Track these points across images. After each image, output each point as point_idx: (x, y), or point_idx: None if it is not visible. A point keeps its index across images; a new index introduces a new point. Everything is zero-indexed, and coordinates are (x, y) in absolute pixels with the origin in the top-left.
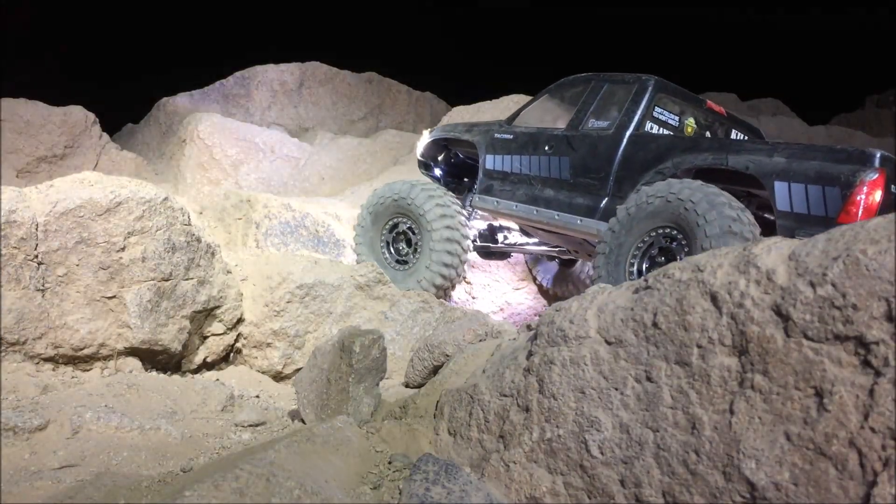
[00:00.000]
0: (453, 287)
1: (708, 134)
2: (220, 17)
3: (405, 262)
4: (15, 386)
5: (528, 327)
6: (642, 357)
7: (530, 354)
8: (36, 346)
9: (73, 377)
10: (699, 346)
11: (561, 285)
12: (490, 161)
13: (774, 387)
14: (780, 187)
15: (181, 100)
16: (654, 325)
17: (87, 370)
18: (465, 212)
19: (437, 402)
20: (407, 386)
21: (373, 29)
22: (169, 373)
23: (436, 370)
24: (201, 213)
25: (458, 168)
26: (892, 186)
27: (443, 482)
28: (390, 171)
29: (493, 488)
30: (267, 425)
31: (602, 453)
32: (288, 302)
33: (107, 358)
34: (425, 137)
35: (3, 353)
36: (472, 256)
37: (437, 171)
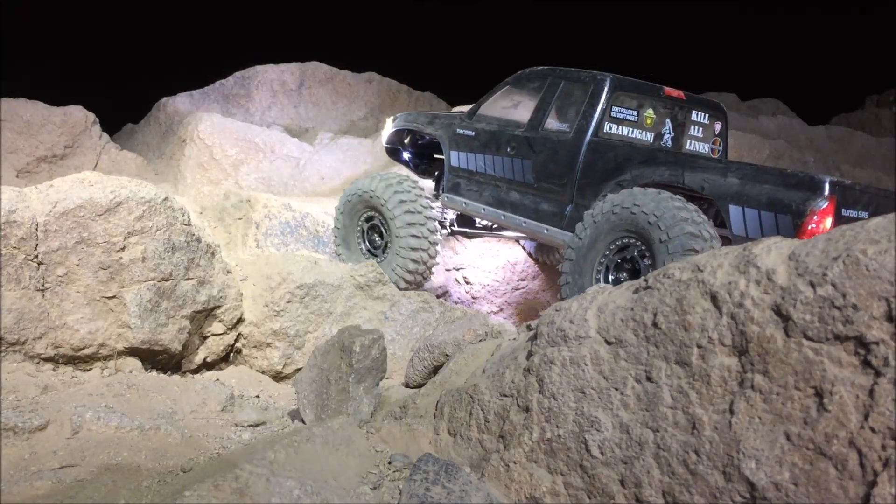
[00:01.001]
0: (430, 270)
1: (668, 121)
2: (220, 18)
3: (379, 254)
4: (15, 386)
5: (528, 327)
6: (642, 357)
7: (530, 354)
8: (36, 346)
9: (73, 377)
10: (699, 346)
11: (544, 253)
12: (455, 158)
13: (774, 387)
14: (734, 211)
15: (181, 100)
16: (654, 325)
17: (87, 370)
18: (428, 195)
19: (437, 402)
20: (407, 386)
21: (373, 29)
22: (169, 373)
23: (436, 370)
24: (201, 213)
25: (427, 148)
26: (844, 210)
27: (443, 482)
28: (390, 171)
29: (493, 488)
30: (267, 425)
31: (602, 453)
32: (288, 302)
33: (107, 358)
34: (388, 126)
35: (3, 353)
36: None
37: (406, 156)
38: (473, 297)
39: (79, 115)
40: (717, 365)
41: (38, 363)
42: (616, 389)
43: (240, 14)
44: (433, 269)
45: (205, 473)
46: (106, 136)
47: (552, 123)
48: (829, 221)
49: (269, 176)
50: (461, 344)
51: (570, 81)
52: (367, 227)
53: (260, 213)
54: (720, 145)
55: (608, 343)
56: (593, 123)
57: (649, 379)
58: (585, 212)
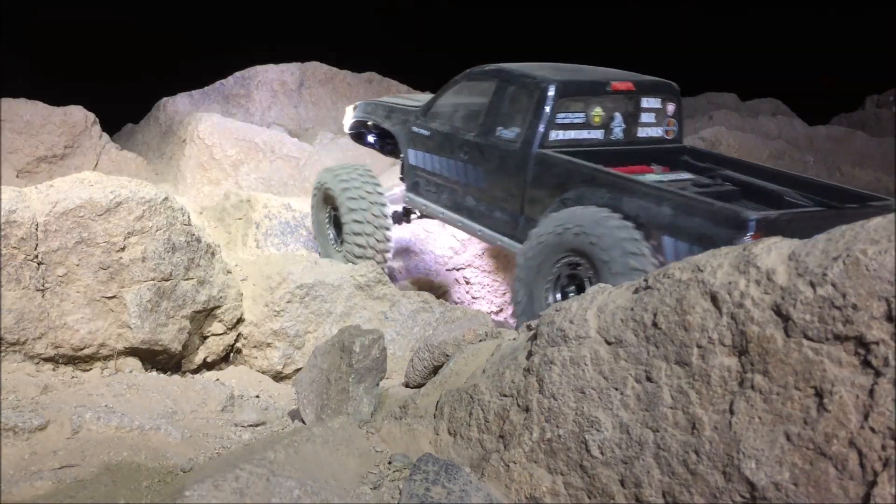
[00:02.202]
0: (381, 255)
1: (618, 114)
2: (220, 18)
3: (340, 242)
4: (15, 386)
5: (528, 327)
6: (642, 357)
7: (530, 354)
8: (36, 346)
9: (73, 377)
10: (699, 346)
11: None
12: (412, 156)
13: (774, 387)
14: (668, 242)
15: (181, 100)
16: (654, 325)
17: (87, 370)
18: (377, 182)
19: (437, 402)
20: (407, 386)
21: (373, 29)
22: (169, 373)
23: (436, 370)
24: (201, 213)
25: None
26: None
27: (443, 482)
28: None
29: (493, 488)
30: (267, 425)
31: (602, 453)
32: (288, 302)
33: (107, 358)
34: (349, 115)
35: (3, 353)
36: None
37: (371, 139)
38: (473, 297)
39: (79, 115)
40: (717, 365)
41: (38, 363)
42: (616, 389)
43: (240, 14)
44: (389, 252)
45: (205, 473)
46: (106, 136)
47: (501, 131)
48: None
49: (269, 176)
50: (461, 344)
51: (517, 86)
52: (334, 216)
53: (260, 213)
54: (674, 126)
55: (608, 343)
56: (539, 135)
57: (649, 379)
58: (531, 231)
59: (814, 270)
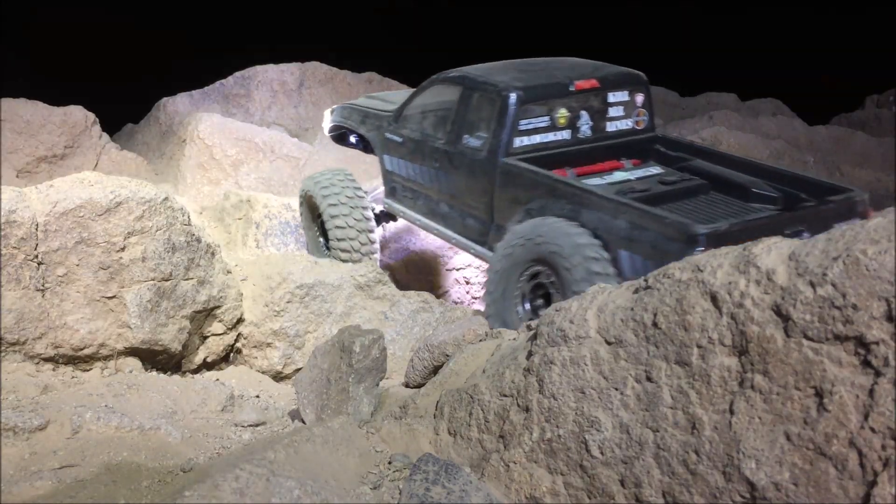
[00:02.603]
0: (369, 256)
1: (584, 112)
2: (220, 18)
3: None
4: (15, 386)
5: (528, 327)
6: (642, 357)
7: (530, 354)
8: (36, 346)
9: (73, 377)
10: (699, 346)
11: None
12: (388, 162)
13: (774, 387)
14: (624, 256)
15: (181, 100)
16: (654, 325)
17: (87, 370)
18: (357, 185)
19: (437, 402)
20: (407, 386)
21: (373, 29)
22: (169, 373)
23: (436, 370)
24: (201, 213)
25: None
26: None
27: (443, 482)
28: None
29: (493, 488)
30: (267, 425)
31: (602, 453)
32: (288, 302)
33: (107, 358)
34: (327, 119)
35: (3, 353)
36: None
37: (353, 139)
38: (473, 297)
39: (79, 115)
40: (717, 365)
41: (38, 363)
42: (616, 389)
43: (240, 14)
44: (375, 253)
45: (205, 473)
46: (106, 136)
47: (467, 139)
48: None
49: (269, 176)
50: (461, 344)
51: (480, 94)
52: (321, 223)
53: (260, 213)
54: (645, 116)
55: (608, 343)
56: (503, 144)
57: (649, 379)
58: (497, 244)
59: (814, 270)
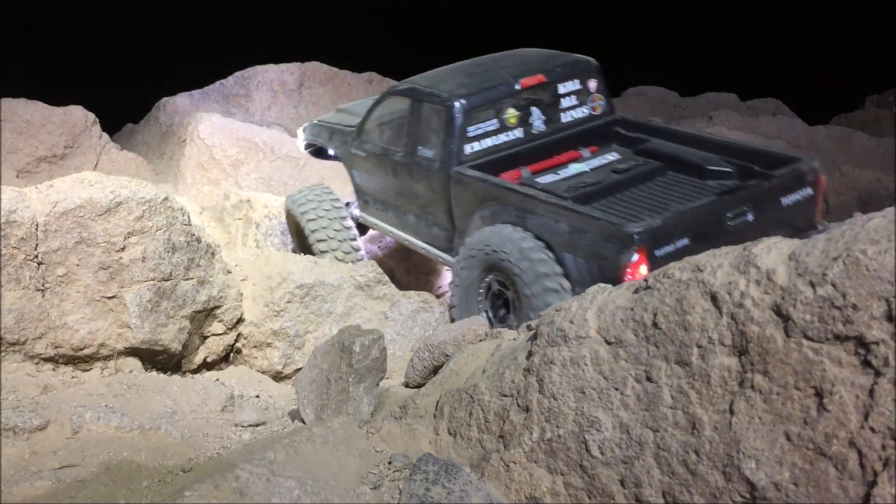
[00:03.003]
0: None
1: (534, 108)
2: (220, 18)
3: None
4: (15, 386)
5: (528, 327)
6: (642, 357)
7: (530, 354)
8: (36, 346)
9: (73, 377)
10: (699, 346)
11: None
12: (357, 176)
13: (774, 387)
14: (568, 259)
15: (181, 100)
16: (654, 325)
17: (87, 370)
18: (331, 196)
19: (437, 402)
20: (407, 386)
21: (373, 29)
22: (169, 373)
23: (436, 370)
24: (201, 213)
25: None
26: (657, 251)
27: (443, 482)
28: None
29: (493, 488)
30: (267, 425)
31: (602, 453)
32: (288, 302)
33: (107, 358)
34: (301, 137)
35: (3, 353)
36: None
37: (331, 152)
38: None
39: (79, 115)
40: (717, 365)
41: (38, 363)
42: (616, 389)
43: (240, 14)
44: (361, 260)
45: (205, 473)
46: (106, 136)
47: (421, 150)
48: (643, 269)
49: (269, 176)
50: (461, 344)
51: (428, 105)
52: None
53: (260, 213)
54: (601, 101)
55: (608, 343)
56: (454, 153)
57: (649, 379)
58: (456, 258)
59: (814, 270)
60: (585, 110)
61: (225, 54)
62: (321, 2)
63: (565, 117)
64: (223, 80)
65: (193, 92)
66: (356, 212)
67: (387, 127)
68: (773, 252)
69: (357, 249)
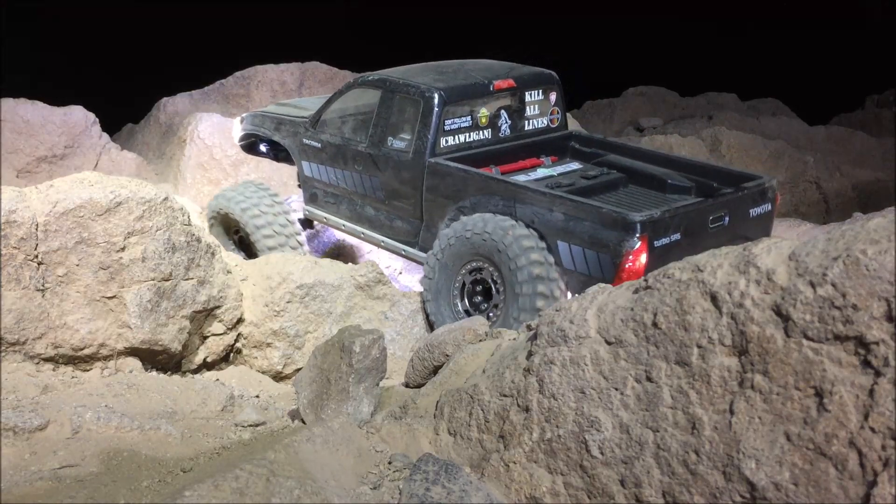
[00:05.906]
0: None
1: (503, 111)
2: (219, 18)
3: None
4: (15, 386)
5: (528, 327)
6: (642, 357)
7: (530, 354)
8: (36, 346)
9: (73, 377)
10: (699, 346)
11: None
12: (307, 168)
13: (774, 387)
14: (562, 247)
15: (181, 100)
16: (654, 325)
17: (87, 370)
18: (270, 193)
19: (437, 402)
20: (407, 386)
21: (372, 29)
22: (169, 373)
23: (436, 370)
24: (201, 213)
25: None
26: (656, 242)
27: (443, 482)
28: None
29: (493, 488)
30: (267, 425)
31: (602, 453)
32: (288, 302)
33: (107, 358)
34: (237, 128)
35: (3, 353)
36: None
37: (263, 148)
38: None
39: (79, 115)
40: (717, 365)
41: (38, 363)
42: (616, 389)
43: (240, 14)
44: (305, 252)
45: (205, 473)
46: (106, 136)
47: (392, 141)
48: (643, 258)
49: (269, 176)
50: (461, 344)
51: (402, 96)
52: (239, 238)
53: None
54: (558, 114)
55: (608, 343)
56: (430, 144)
57: (649, 379)
58: (441, 232)
59: (814, 270)
60: (545, 121)
61: (225, 54)
62: (321, 2)
63: (528, 125)
64: (223, 80)
65: (193, 92)
66: (299, 205)
67: (350, 118)
68: (773, 252)
69: (302, 244)
